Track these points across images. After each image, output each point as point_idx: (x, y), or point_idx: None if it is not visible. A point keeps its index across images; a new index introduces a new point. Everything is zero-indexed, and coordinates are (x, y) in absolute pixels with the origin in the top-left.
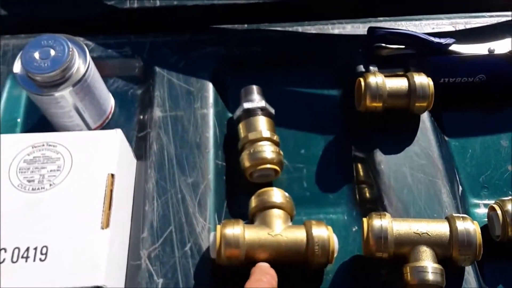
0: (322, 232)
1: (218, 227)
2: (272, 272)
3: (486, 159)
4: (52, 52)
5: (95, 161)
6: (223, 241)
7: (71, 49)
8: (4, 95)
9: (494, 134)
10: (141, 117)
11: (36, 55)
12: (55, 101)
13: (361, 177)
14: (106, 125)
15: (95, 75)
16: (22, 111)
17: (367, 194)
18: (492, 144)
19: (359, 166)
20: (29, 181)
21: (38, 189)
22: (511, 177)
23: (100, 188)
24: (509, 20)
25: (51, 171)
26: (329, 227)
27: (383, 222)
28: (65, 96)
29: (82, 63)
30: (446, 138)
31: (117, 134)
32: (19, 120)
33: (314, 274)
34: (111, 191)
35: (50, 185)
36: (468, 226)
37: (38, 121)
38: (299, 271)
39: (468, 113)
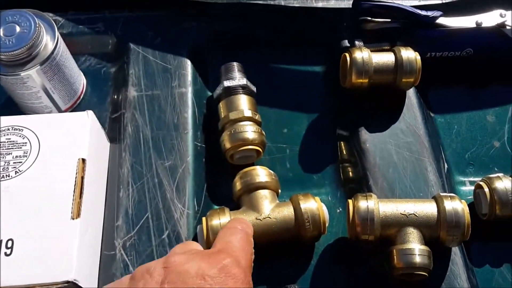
0: (311, 204)
1: (204, 219)
2: (245, 221)
3: (472, 135)
4: (18, 29)
5: (65, 145)
6: (211, 234)
7: (38, 25)
8: None
9: (480, 110)
10: (115, 97)
11: (0, 32)
12: (21, 81)
13: (345, 156)
14: (77, 106)
15: (64, 53)
16: None
17: (351, 174)
18: (478, 120)
19: (343, 144)
20: None
21: (3, 177)
22: (497, 153)
23: (70, 175)
24: None
25: (16, 157)
26: (317, 198)
27: (369, 204)
28: (32, 75)
29: (50, 40)
30: (432, 114)
31: (88, 116)
32: None
33: (301, 254)
34: (82, 178)
35: (16, 172)
36: (456, 206)
37: (4, 102)
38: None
39: (454, 89)
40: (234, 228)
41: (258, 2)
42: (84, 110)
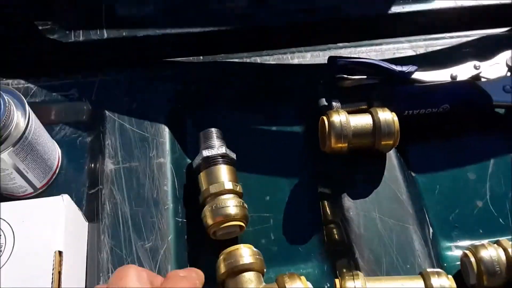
0: (297, 286)
1: None
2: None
3: (455, 195)
4: None
5: (40, 236)
6: None
7: (7, 104)
8: None
9: (461, 167)
10: (92, 167)
11: None
12: None
13: (329, 217)
14: (53, 182)
15: (37, 129)
16: None
17: (336, 236)
18: (459, 177)
19: (326, 204)
20: None
21: None
22: (480, 213)
23: (47, 270)
24: (469, 41)
25: None
26: (303, 278)
27: (356, 284)
28: (4, 158)
29: (21, 117)
30: (413, 174)
31: (63, 201)
32: None
33: None
34: (59, 272)
35: None
36: (444, 283)
37: None
38: None
39: (433, 145)
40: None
41: (234, 60)
42: (60, 184)
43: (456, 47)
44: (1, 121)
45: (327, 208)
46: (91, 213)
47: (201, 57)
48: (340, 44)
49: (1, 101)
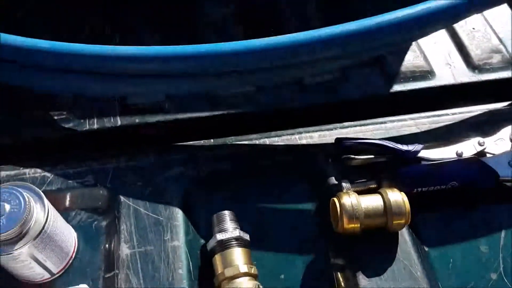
0: None
1: None
2: None
3: (468, 269)
4: (7, 207)
5: None
6: None
7: (27, 202)
8: None
9: (473, 240)
10: (108, 251)
11: None
12: (12, 258)
13: None
14: (69, 266)
15: (55, 222)
16: None
17: None
18: (472, 250)
19: (342, 283)
20: None
21: None
22: (495, 286)
23: None
24: (471, 116)
25: None
26: None
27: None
28: (24, 252)
29: (40, 212)
30: (426, 249)
31: None
32: None
33: None
34: None
35: None
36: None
37: None
38: None
39: (444, 218)
40: None
41: (244, 142)
42: (76, 269)
43: (459, 123)
44: (22, 218)
45: (343, 282)
46: None
47: (212, 140)
48: (346, 124)
49: (22, 199)
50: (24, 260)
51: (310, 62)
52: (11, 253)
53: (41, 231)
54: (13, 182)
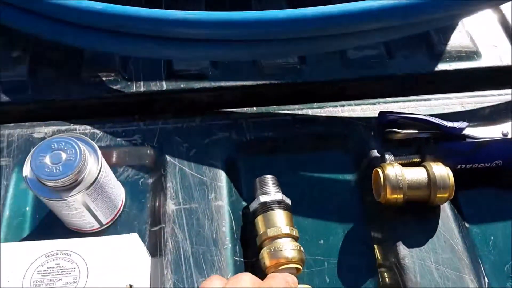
0: None
1: None
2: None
3: (509, 246)
4: (63, 156)
5: (112, 271)
6: None
7: (83, 152)
8: (11, 187)
9: None
10: (154, 208)
11: (47, 159)
12: (67, 204)
13: (384, 264)
14: (117, 219)
15: (107, 174)
16: (30, 201)
17: (391, 282)
18: None
19: (380, 252)
20: None
21: None
22: None
23: None
24: None
25: (66, 283)
26: None
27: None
28: (78, 199)
29: (94, 163)
30: (467, 225)
31: (133, 239)
32: (27, 209)
33: None
34: None
35: None
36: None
37: (48, 213)
38: None
39: (486, 196)
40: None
41: (286, 112)
42: (124, 221)
43: (505, 104)
44: (78, 167)
45: (382, 254)
46: (154, 249)
47: (254, 108)
48: (389, 99)
49: (78, 149)
50: (77, 208)
51: (356, 34)
52: (65, 200)
53: (94, 181)
54: (69, 133)
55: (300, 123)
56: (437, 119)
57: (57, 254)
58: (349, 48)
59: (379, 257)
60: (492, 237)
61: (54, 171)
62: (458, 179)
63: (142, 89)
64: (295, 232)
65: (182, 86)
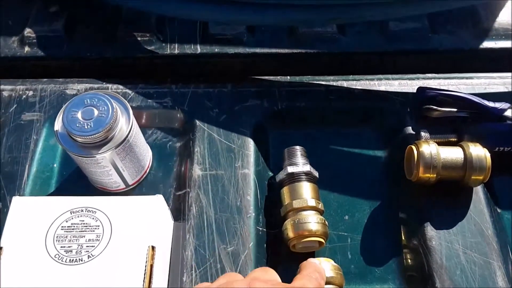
0: None
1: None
2: (322, 270)
3: None
4: (95, 112)
5: (135, 231)
6: None
7: (115, 110)
8: (41, 143)
9: None
10: (180, 172)
11: (79, 115)
12: (95, 161)
13: (409, 244)
14: (143, 180)
15: (137, 134)
16: (58, 157)
17: (416, 263)
18: None
19: (407, 232)
20: (66, 251)
21: (76, 260)
22: None
23: (140, 262)
24: None
25: (89, 240)
26: None
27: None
28: (107, 157)
29: (125, 123)
30: (499, 210)
31: (158, 200)
32: (55, 165)
33: None
34: (151, 266)
35: (89, 257)
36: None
37: (75, 170)
38: None
39: None
40: (310, 277)
41: (321, 82)
42: (149, 183)
43: None
44: (109, 124)
45: (408, 234)
46: (177, 213)
47: (288, 77)
48: (429, 75)
49: (110, 107)
50: (105, 166)
51: (399, 2)
52: (94, 157)
53: (124, 140)
54: (102, 91)
55: (334, 94)
56: (478, 98)
57: (82, 210)
58: (391, 19)
59: (405, 239)
60: None
61: (85, 127)
62: (494, 162)
63: (176, 51)
64: (320, 206)
65: (216, 50)
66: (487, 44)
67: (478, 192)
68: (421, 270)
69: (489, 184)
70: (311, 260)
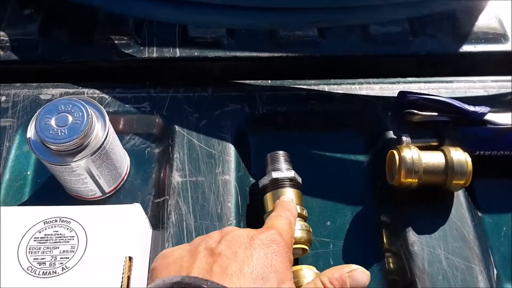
0: None
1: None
2: (293, 208)
3: None
4: (70, 119)
5: (112, 241)
6: None
7: (90, 116)
8: (13, 149)
9: None
10: (159, 178)
11: (52, 122)
12: (70, 169)
13: (391, 249)
14: (120, 188)
15: (113, 140)
16: (32, 165)
17: (398, 268)
18: None
19: (389, 237)
20: (39, 263)
21: (50, 273)
22: None
23: (117, 274)
24: None
25: (63, 252)
26: None
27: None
28: (82, 165)
29: (100, 129)
30: (480, 214)
31: (135, 209)
32: (28, 173)
33: None
34: (128, 277)
35: (63, 269)
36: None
37: (49, 178)
38: None
39: (501, 186)
40: (280, 216)
41: (302, 86)
42: (127, 191)
43: None
44: (84, 131)
45: (390, 239)
46: (156, 221)
47: (269, 81)
48: (410, 79)
49: (85, 113)
50: (81, 174)
51: (379, 6)
52: (69, 165)
53: (100, 147)
54: (77, 96)
55: (315, 99)
56: (459, 102)
57: (56, 221)
58: (371, 23)
59: (387, 242)
60: (504, 228)
61: (59, 134)
62: (475, 166)
63: (154, 54)
64: (305, 212)
65: (196, 54)
66: (466, 48)
67: (459, 197)
68: (403, 274)
69: (470, 189)
70: (282, 198)
